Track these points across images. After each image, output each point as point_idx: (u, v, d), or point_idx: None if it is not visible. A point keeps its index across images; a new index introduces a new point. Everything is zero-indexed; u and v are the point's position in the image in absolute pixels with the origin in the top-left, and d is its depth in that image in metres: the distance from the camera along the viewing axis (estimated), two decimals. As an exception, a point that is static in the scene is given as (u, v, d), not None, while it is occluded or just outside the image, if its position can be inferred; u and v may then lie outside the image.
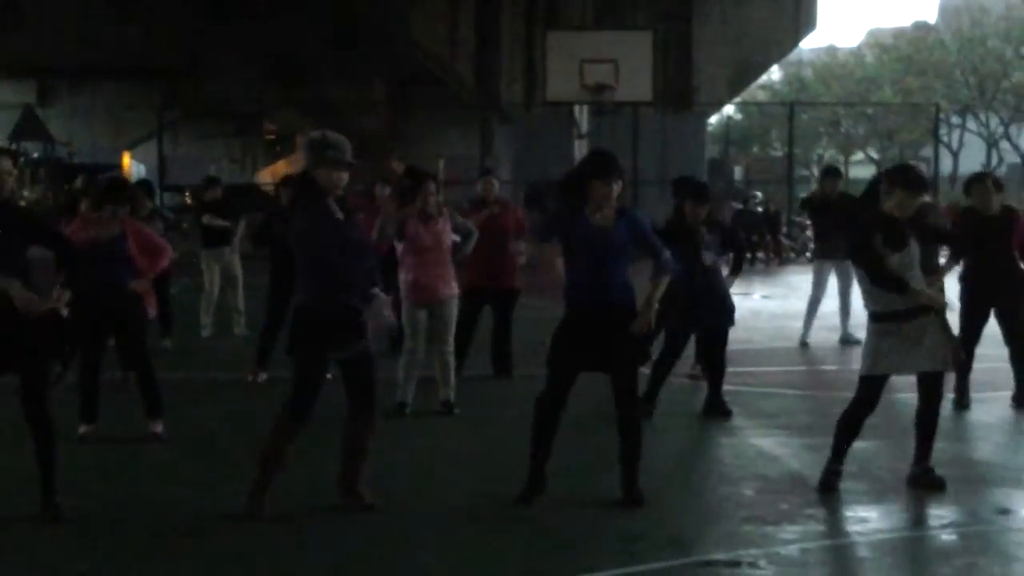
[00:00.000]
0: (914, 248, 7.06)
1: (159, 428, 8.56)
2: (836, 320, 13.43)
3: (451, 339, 9.59)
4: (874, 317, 7.10)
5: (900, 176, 7.22)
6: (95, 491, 7.19)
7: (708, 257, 9.44)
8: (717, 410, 9.47)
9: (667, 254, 6.96)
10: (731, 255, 10.32)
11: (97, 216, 8.63)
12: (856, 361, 7.53)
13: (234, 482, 6.78)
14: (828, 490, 7.10)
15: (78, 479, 7.06)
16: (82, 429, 8.49)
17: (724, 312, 9.60)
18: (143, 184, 14.92)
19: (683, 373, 10.85)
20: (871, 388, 7.14)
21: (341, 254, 6.36)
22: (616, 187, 6.81)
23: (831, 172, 14.90)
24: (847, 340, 12.92)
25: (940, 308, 7.10)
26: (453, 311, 9.58)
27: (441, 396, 9.58)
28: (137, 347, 8.68)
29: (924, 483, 7.15)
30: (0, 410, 7.78)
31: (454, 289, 9.59)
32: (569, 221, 6.85)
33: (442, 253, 9.49)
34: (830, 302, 13.43)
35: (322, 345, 6.45)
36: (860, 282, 7.17)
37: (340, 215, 6.42)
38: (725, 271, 10.13)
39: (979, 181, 10.00)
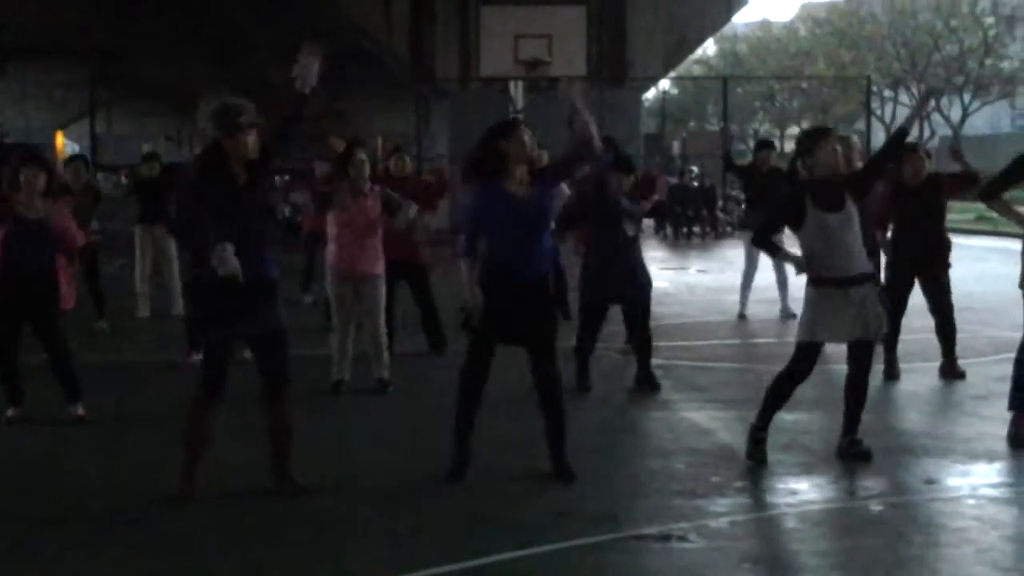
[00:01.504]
0: (851, 208, 7.04)
1: (80, 410, 8.48)
2: (774, 293, 13.50)
3: (381, 317, 9.52)
4: (813, 282, 7.11)
5: (811, 134, 7.30)
6: (22, 475, 7.10)
7: (630, 228, 9.44)
8: (647, 383, 9.50)
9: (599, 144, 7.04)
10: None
11: (18, 195, 8.45)
12: (792, 334, 7.57)
13: (169, 464, 6.70)
14: (756, 458, 7.15)
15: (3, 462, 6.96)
16: (9, 412, 8.39)
17: (637, 285, 9.55)
18: (78, 158, 14.70)
19: (614, 348, 10.90)
20: (806, 355, 7.17)
21: (236, 225, 6.18)
22: (528, 140, 6.76)
23: (765, 144, 15.02)
24: (787, 314, 12.97)
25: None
26: (380, 289, 9.47)
27: (375, 374, 9.53)
28: (53, 332, 8.52)
29: (852, 454, 7.22)
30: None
31: (380, 268, 9.49)
32: (484, 199, 6.78)
33: (370, 229, 9.39)
34: (768, 275, 13.50)
35: (216, 322, 6.34)
36: (800, 248, 7.19)
37: (242, 180, 6.25)
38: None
39: (911, 151, 10.06)
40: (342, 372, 9.51)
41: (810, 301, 7.14)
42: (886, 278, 9.79)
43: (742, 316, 13.61)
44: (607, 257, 9.36)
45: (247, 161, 6.26)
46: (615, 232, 9.35)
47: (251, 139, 6.24)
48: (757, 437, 7.22)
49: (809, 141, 7.19)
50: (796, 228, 7.11)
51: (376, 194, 9.45)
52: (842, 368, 7.46)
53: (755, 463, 7.14)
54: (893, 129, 8.99)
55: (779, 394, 7.25)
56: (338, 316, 9.48)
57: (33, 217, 8.32)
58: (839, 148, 7.17)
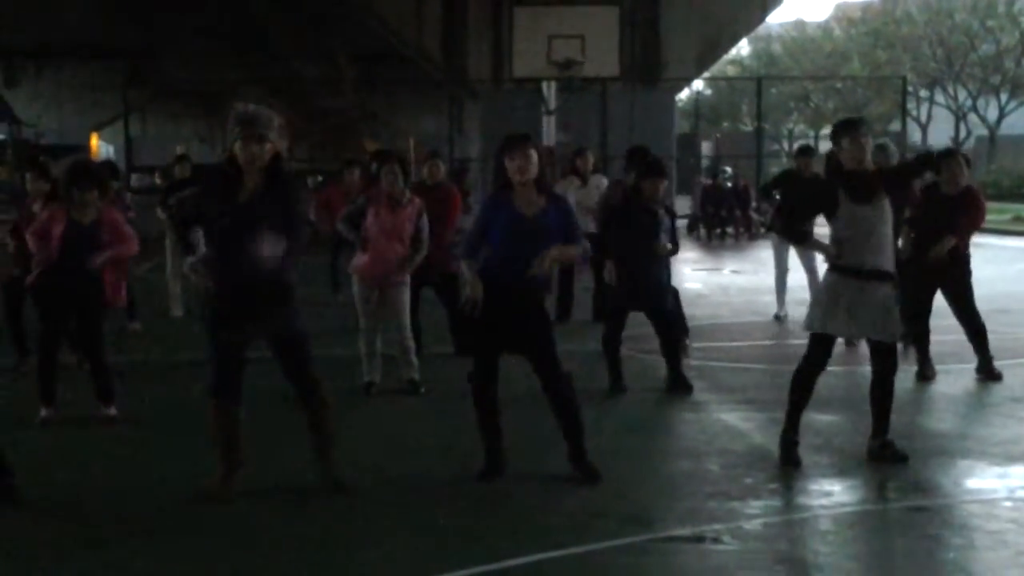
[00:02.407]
0: (883, 201, 6.98)
1: (112, 411, 8.54)
2: (807, 295, 13.34)
3: (406, 321, 9.52)
4: (834, 268, 7.06)
5: (839, 128, 7.17)
6: (60, 475, 7.14)
7: (665, 240, 9.40)
8: (679, 385, 9.45)
9: (585, 245, 7.04)
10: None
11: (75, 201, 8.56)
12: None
13: (206, 463, 6.71)
14: (790, 463, 7.10)
15: (41, 462, 7.00)
16: (43, 412, 8.44)
17: (664, 295, 9.51)
18: (106, 165, 14.77)
19: (647, 349, 10.85)
20: (818, 346, 7.13)
21: (237, 237, 6.22)
22: (524, 163, 6.70)
23: (806, 151, 14.84)
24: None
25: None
26: (404, 294, 9.49)
27: (404, 376, 9.54)
28: (96, 333, 8.61)
29: (885, 456, 7.15)
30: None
31: (405, 277, 9.52)
32: (491, 210, 6.87)
33: (400, 239, 9.41)
34: (801, 275, 13.34)
35: (224, 324, 6.36)
36: (830, 237, 7.13)
37: (248, 196, 6.25)
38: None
39: (950, 156, 9.92)
40: (372, 374, 9.53)
41: (826, 287, 7.09)
42: (905, 283, 9.60)
43: (778, 317, 13.53)
44: (639, 267, 9.32)
45: (265, 166, 6.25)
46: (648, 242, 9.31)
47: (264, 148, 6.23)
48: (789, 442, 7.17)
49: (838, 132, 7.13)
50: (829, 217, 7.08)
51: (415, 209, 9.45)
52: (866, 368, 7.40)
53: (791, 468, 7.08)
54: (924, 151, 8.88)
55: (800, 389, 7.19)
56: (364, 318, 9.50)
57: (86, 221, 8.45)
58: (866, 141, 7.03)
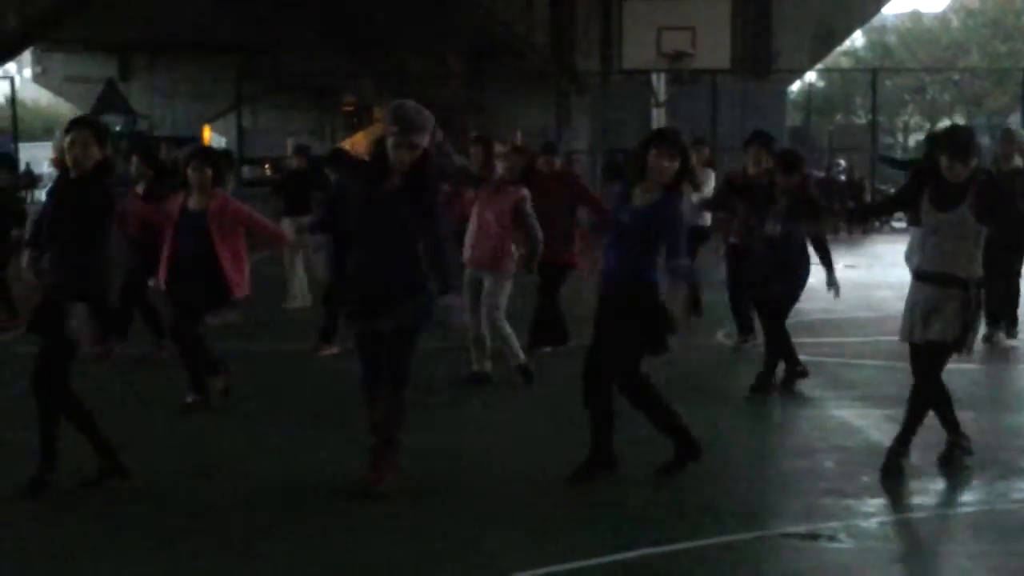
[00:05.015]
0: (965, 215, 6.66)
1: (190, 399, 8.49)
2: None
3: (496, 311, 9.39)
4: (912, 275, 6.88)
5: (943, 140, 6.91)
6: (175, 461, 7.23)
7: (770, 226, 9.10)
8: (784, 385, 9.22)
9: (685, 261, 6.65)
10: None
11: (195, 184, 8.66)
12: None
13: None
14: (947, 464, 6.88)
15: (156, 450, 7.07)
16: (189, 399, 8.52)
17: (775, 286, 9.07)
18: (225, 155, 14.93)
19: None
20: (912, 355, 6.90)
21: (369, 229, 6.23)
22: (671, 163, 6.53)
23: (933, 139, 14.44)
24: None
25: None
26: (498, 284, 9.42)
27: (512, 364, 9.51)
28: (192, 321, 8.63)
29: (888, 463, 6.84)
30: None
31: (504, 264, 9.44)
32: (614, 203, 6.79)
33: (502, 226, 9.40)
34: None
35: (355, 317, 6.37)
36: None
37: (392, 188, 6.21)
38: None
39: (1007, 134, 9.52)
40: (481, 364, 9.49)
41: (909, 294, 6.88)
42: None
43: None
44: (757, 254, 9.16)
45: (410, 164, 6.21)
46: (760, 229, 9.13)
47: (414, 155, 6.17)
48: (954, 443, 6.92)
49: (941, 147, 6.86)
50: (910, 221, 6.88)
51: (519, 192, 9.45)
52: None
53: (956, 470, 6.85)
54: None
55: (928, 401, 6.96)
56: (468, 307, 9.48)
57: (198, 209, 8.55)
58: (960, 168, 6.65)
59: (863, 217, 7.73)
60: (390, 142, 6.21)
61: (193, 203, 8.59)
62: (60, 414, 6.40)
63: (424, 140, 6.21)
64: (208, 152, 9.30)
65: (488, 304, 9.39)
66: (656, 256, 6.54)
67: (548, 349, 10.76)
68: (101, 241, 6.33)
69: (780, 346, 9.16)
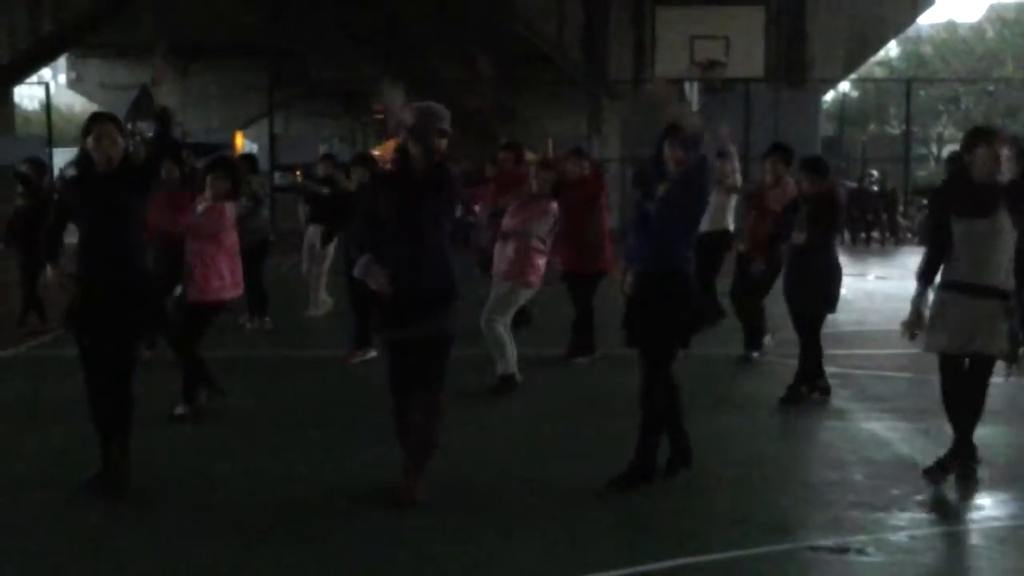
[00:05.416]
0: (1002, 217, 6.58)
1: (180, 410, 8.44)
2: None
3: (497, 317, 9.44)
4: (942, 285, 6.77)
5: (977, 133, 6.81)
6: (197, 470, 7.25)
7: (796, 235, 9.03)
8: (818, 391, 9.18)
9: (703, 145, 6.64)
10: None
11: (200, 196, 8.73)
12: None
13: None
14: (968, 481, 6.80)
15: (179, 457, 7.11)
16: (179, 410, 8.53)
17: (805, 297, 9.04)
18: (247, 158, 14.96)
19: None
20: (943, 366, 6.81)
21: (401, 238, 6.22)
22: (687, 153, 6.57)
23: (955, 160, 14.34)
24: None
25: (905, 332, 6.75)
26: (515, 294, 9.52)
27: (498, 370, 9.47)
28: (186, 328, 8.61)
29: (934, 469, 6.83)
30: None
31: (529, 276, 9.50)
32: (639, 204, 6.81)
33: (524, 236, 9.48)
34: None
35: (389, 324, 6.36)
36: None
37: (417, 187, 6.20)
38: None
39: None
40: (505, 367, 9.47)
41: (935, 304, 6.77)
42: None
43: None
44: (790, 266, 9.14)
45: (433, 167, 6.20)
46: (787, 241, 9.10)
47: (442, 143, 6.19)
48: (965, 467, 6.86)
49: (972, 140, 6.79)
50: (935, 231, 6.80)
51: (547, 205, 9.50)
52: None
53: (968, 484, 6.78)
54: None
55: (952, 409, 6.86)
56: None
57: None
58: (1003, 154, 6.62)
59: (926, 281, 7.57)
60: (410, 141, 6.20)
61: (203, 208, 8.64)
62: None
63: (446, 127, 6.22)
64: (229, 163, 9.33)
65: (489, 308, 9.45)
66: (685, 243, 6.58)
67: (583, 360, 10.73)
68: (141, 232, 6.50)
69: (814, 356, 9.11)
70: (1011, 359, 6.70)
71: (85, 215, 6.47)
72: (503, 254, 9.57)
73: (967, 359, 6.74)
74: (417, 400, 6.31)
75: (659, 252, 6.57)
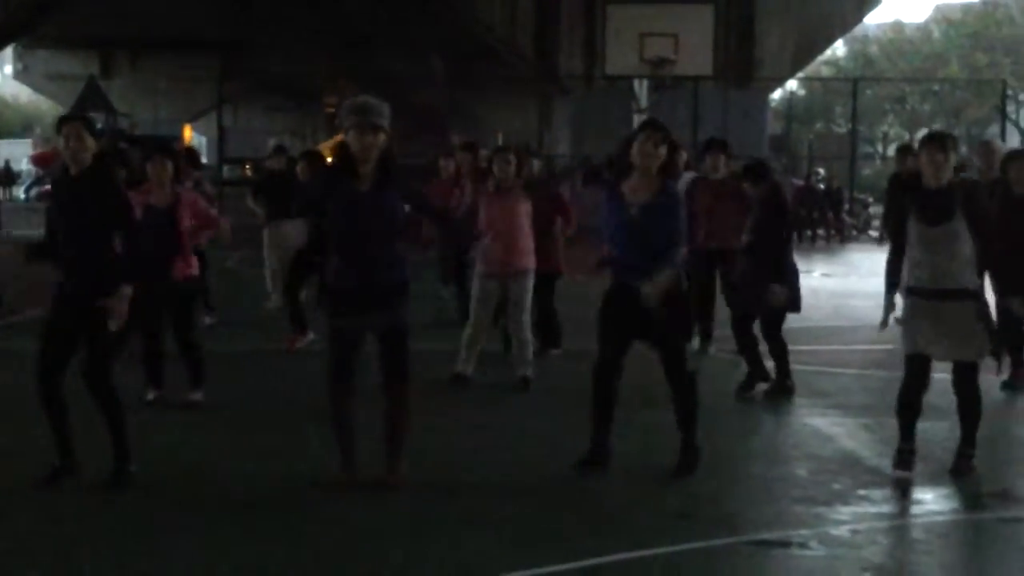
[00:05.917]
0: (958, 224, 6.66)
1: (198, 396, 8.59)
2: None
3: (526, 312, 9.46)
4: (907, 290, 6.87)
5: (920, 141, 6.98)
6: (162, 462, 7.23)
7: (744, 236, 9.19)
8: (777, 390, 9.31)
9: (680, 250, 6.80)
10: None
11: (147, 184, 8.70)
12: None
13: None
14: (901, 468, 6.88)
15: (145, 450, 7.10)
16: (150, 395, 8.57)
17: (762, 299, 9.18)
18: (187, 151, 14.86)
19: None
20: (913, 366, 6.88)
21: (355, 229, 6.26)
22: (657, 149, 6.68)
23: (904, 150, 14.45)
24: None
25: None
26: (528, 283, 9.45)
27: (518, 372, 9.49)
28: (188, 318, 8.76)
29: (952, 468, 6.97)
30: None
31: (529, 262, 9.46)
32: (605, 204, 6.86)
33: (516, 226, 9.38)
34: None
35: (342, 315, 6.37)
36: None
37: (366, 187, 6.26)
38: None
39: (1018, 158, 9.49)
40: (466, 367, 9.49)
41: (907, 310, 6.89)
42: (996, 303, 8.41)
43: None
44: (740, 265, 9.26)
45: (377, 162, 6.25)
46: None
47: (378, 138, 6.22)
48: (903, 448, 6.91)
49: (919, 145, 6.94)
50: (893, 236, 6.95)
51: (520, 193, 9.50)
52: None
53: (904, 478, 6.87)
54: None
55: (905, 409, 6.93)
56: (479, 312, 9.48)
57: (162, 206, 8.52)
58: (939, 157, 6.70)
59: (891, 284, 7.68)
60: (351, 134, 6.22)
61: (155, 199, 8.58)
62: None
63: (385, 124, 6.24)
64: (167, 147, 9.38)
65: (515, 311, 9.42)
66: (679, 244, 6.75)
67: (558, 351, 10.81)
68: (122, 233, 6.41)
69: (781, 351, 9.32)
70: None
71: (65, 221, 6.43)
72: (512, 246, 9.33)
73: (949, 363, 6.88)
74: (394, 390, 6.45)
75: (654, 256, 6.67)
